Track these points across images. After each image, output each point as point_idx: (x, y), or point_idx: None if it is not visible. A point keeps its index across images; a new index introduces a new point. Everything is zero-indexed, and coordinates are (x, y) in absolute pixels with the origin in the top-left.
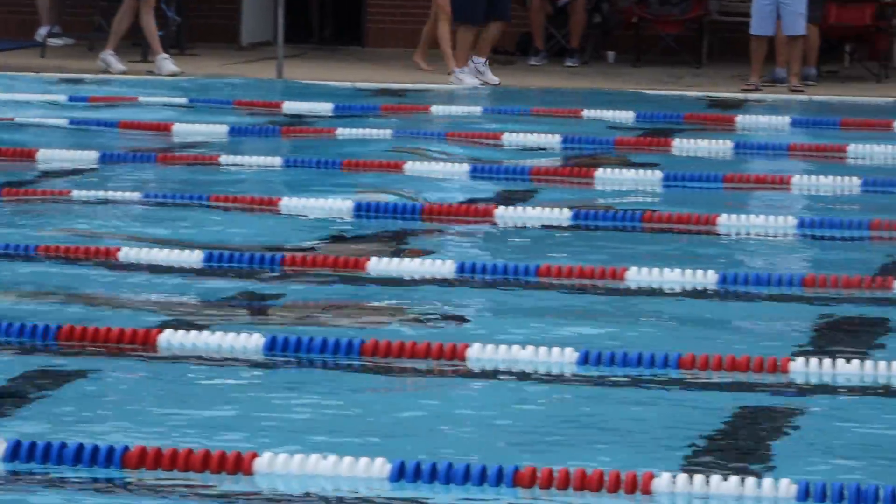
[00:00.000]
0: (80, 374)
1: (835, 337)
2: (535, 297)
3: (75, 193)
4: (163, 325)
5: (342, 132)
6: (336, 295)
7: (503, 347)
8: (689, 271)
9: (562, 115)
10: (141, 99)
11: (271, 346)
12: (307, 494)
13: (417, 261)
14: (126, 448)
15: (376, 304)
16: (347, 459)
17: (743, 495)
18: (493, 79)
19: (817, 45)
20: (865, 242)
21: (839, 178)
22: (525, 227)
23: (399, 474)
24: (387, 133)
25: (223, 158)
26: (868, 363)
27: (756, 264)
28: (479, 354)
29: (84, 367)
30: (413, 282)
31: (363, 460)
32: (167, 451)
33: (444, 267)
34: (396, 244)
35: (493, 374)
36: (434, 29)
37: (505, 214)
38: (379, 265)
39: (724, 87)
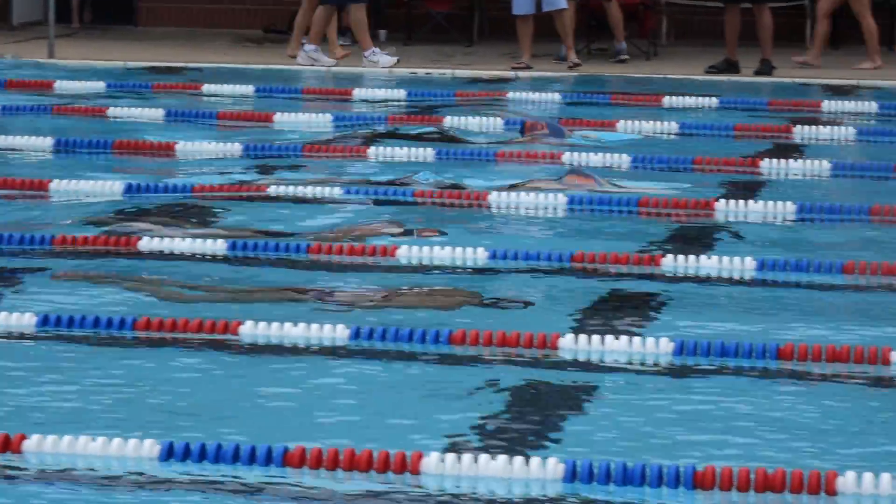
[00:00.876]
0: None
1: (605, 313)
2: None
3: None
4: None
5: (114, 112)
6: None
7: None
8: (458, 248)
9: (334, 94)
10: None
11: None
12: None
13: (189, 240)
14: None
15: (149, 277)
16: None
17: (511, 475)
18: (329, 61)
19: (619, 21)
20: (635, 217)
21: (609, 154)
22: (299, 200)
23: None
24: (159, 113)
25: None
26: (636, 340)
27: (526, 242)
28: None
29: None
30: (183, 257)
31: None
32: None
33: (215, 245)
34: (168, 223)
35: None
36: (307, 19)
37: (277, 191)
38: (151, 244)
39: (494, 66)
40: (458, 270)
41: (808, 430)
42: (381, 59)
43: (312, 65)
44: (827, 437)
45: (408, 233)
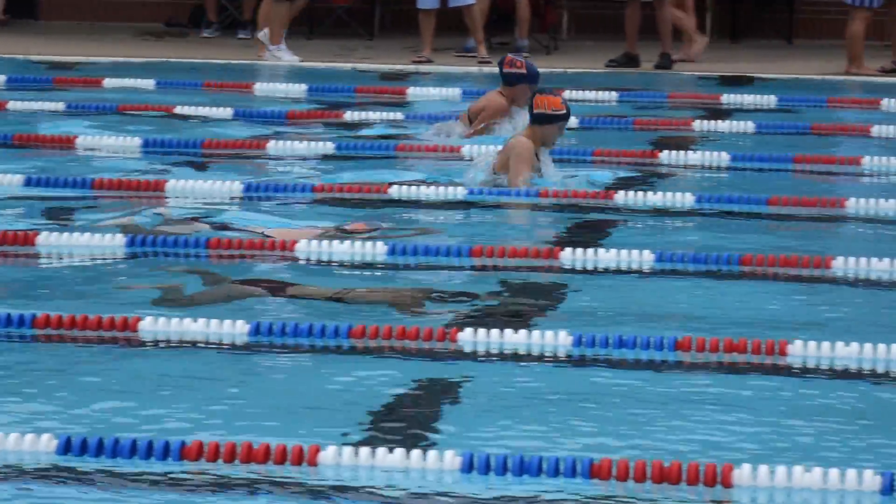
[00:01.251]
0: None
1: (503, 306)
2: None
3: None
4: None
5: (13, 105)
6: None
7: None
8: (358, 243)
9: (234, 89)
10: None
11: None
12: None
13: (87, 234)
14: None
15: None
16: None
17: (409, 467)
18: (293, 58)
19: (527, 17)
20: (537, 212)
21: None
22: (197, 199)
23: None
24: (59, 106)
25: None
26: (535, 332)
27: (425, 236)
28: (152, 326)
29: None
30: (80, 255)
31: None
32: None
33: (113, 240)
34: (68, 219)
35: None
36: (269, 8)
37: (176, 188)
38: (49, 239)
39: (396, 60)
40: (358, 265)
41: (707, 423)
42: (285, 56)
43: (278, 63)
44: (725, 430)
45: (315, 229)
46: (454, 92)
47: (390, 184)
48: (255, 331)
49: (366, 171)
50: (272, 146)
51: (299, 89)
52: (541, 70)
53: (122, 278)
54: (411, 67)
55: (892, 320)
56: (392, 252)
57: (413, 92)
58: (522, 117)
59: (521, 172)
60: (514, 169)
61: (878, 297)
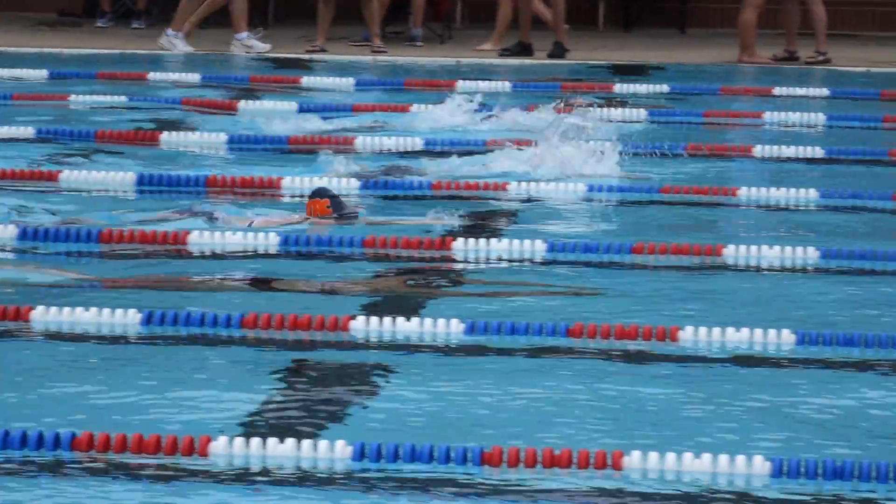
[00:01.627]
0: None
1: (396, 295)
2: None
3: None
4: None
5: None
6: None
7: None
8: (251, 234)
9: (128, 79)
10: None
11: None
12: None
13: None
14: None
15: None
16: None
17: (300, 456)
18: (263, 46)
19: (422, 6)
20: (428, 201)
21: (403, 138)
22: (89, 191)
23: None
24: None
25: None
26: (428, 321)
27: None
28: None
29: None
30: None
31: None
32: None
33: (5, 231)
34: None
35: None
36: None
37: (70, 178)
38: None
39: (290, 49)
40: (251, 255)
41: (599, 410)
42: (179, 45)
43: (248, 52)
44: (617, 416)
45: (208, 218)
46: (348, 82)
47: (281, 175)
48: (148, 319)
49: (259, 163)
50: (165, 137)
51: (193, 78)
52: (434, 59)
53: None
54: (306, 56)
55: (782, 307)
56: (285, 243)
57: (307, 81)
58: None
59: None
60: None
61: (768, 284)
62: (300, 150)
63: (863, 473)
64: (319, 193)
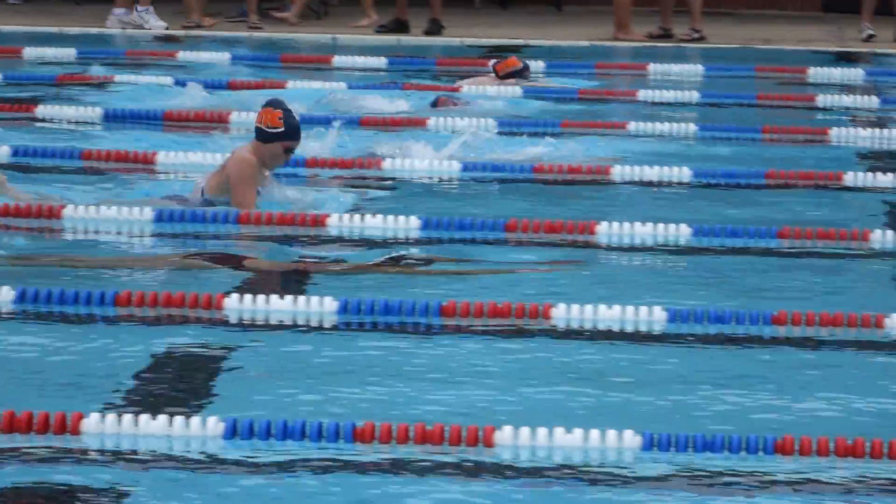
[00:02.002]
0: None
1: (268, 275)
2: None
3: None
4: None
5: None
6: None
7: None
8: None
9: (2, 53)
10: None
11: None
12: None
13: None
14: None
15: None
16: None
17: (171, 434)
18: (160, 24)
19: None
20: (301, 178)
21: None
22: None
23: None
24: None
25: None
26: (301, 299)
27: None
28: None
29: None
30: None
31: None
32: None
33: None
34: None
35: None
36: None
37: None
38: None
39: (170, 24)
40: (124, 233)
41: (471, 386)
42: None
43: (142, 27)
44: (489, 393)
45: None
46: (224, 56)
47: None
48: (21, 297)
49: (132, 140)
50: (41, 110)
51: (69, 53)
52: (311, 35)
53: None
54: (181, 32)
55: (654, 283)
56: (159, 219)
57: (183, 56)
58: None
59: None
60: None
61: (642, 261)
62: (175, 126)
63: (732, 446)
64: (273, 104)
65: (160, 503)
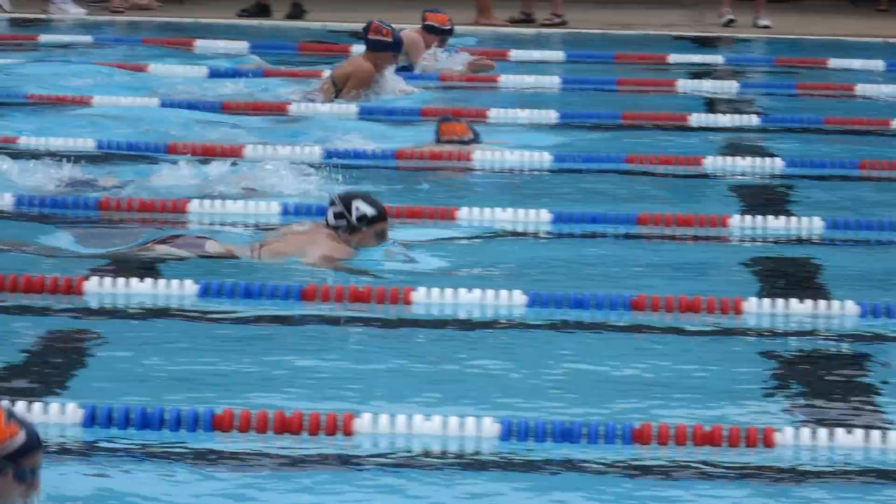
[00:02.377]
0: None
1: (130, 259)
2: None
3: None
4: None
5: None
6: None
7: None
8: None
9: None
10: None
11: None
12: None
13: None
14: None
15: None
16: None
17: (46, 421)
18: (80, 11)
19: None
20: (196, 162)
21: (139, 98)
22: None
23: None
24: None
25: None
26: (161, 282)
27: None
28: None
29: None
30: None
31: None
32: None
33: None
34: None
35: None
36: None
37: None
38: None
39: (28, 8)
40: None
41: (332, 372)
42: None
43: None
44: (349, 379)
45: None
46: (86, 40)
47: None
48: None
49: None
50: None
51: None
52: (173, 18)
53: None
54: (44, 16)
55: (511, 268)
56: (18, 203)
57: (45, 39)
58: (387, 83)
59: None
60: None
61: (500, 246)
62: (38, 108)
63: (591, 433)
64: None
65: None
